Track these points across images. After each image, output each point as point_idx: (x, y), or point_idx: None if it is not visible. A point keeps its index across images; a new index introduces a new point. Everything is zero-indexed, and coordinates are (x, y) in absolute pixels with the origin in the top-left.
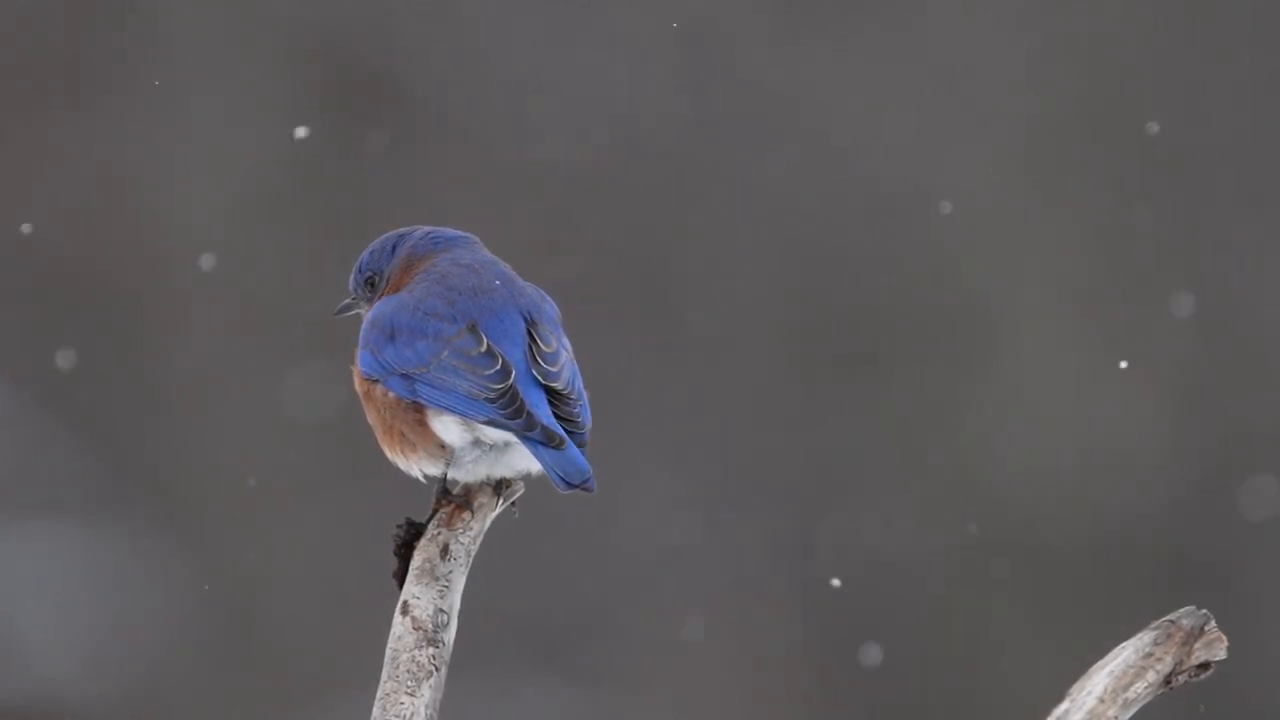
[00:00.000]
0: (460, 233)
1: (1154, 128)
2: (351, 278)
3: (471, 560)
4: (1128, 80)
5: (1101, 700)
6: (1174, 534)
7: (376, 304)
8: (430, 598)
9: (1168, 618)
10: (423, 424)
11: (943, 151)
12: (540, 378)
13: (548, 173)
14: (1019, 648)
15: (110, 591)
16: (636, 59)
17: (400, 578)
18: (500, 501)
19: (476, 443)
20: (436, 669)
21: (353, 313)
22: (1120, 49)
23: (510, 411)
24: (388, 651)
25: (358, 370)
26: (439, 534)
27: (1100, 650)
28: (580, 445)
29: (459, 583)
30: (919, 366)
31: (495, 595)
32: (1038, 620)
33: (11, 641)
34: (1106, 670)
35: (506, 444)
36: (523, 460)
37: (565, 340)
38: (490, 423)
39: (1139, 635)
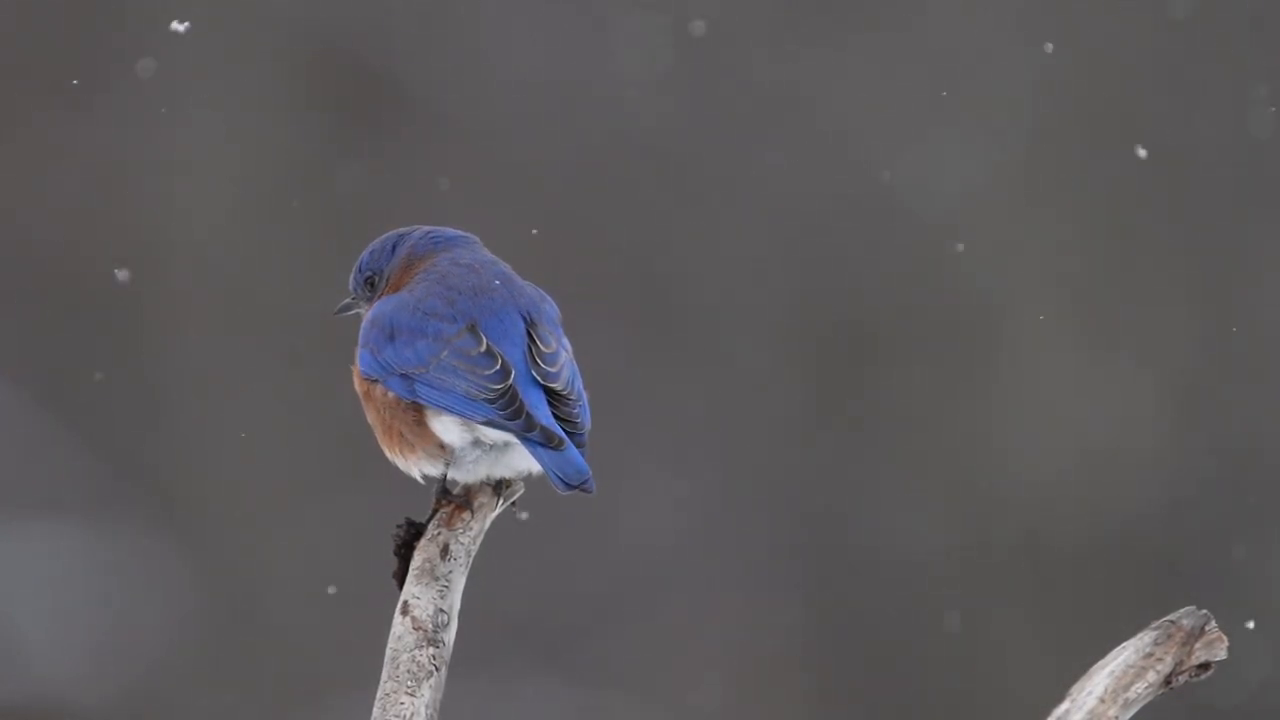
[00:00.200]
0: (460, 232)
1: (1155, 127)
2: (351, 277)
3: (471, 560)
4: (1129, 80)
5: (1102, 700)
6: (1174, 534)
7: (376, 304)
8: (430, 598)
9: (1168, 618)
10: (422, 424)
11: (943, 152)
12: (539, 378)
13: (548, 173)
14: (1019, 648)
15: (110, 591)
16: (636, 59)
17: (400, 578)
18: (500, 501)
19: (476, 443)
20: (436, 669)
21: (352, 312)
22: (1121, 48)
23: (510, 412)
24: (388, 651)
25: (357, 370)
26: (439, 534)
27: (1100, 650)
28: (579, 446)
29: (459, 583)
30: (919, 366)
31: (495, 595)
32: (1038, 620)
33: (11, 641)
34: (1107, 670)
35: (506, 444)
36: (522, 460)
37: (565, 341)
38: (489, 423)
39: (1139, 635)
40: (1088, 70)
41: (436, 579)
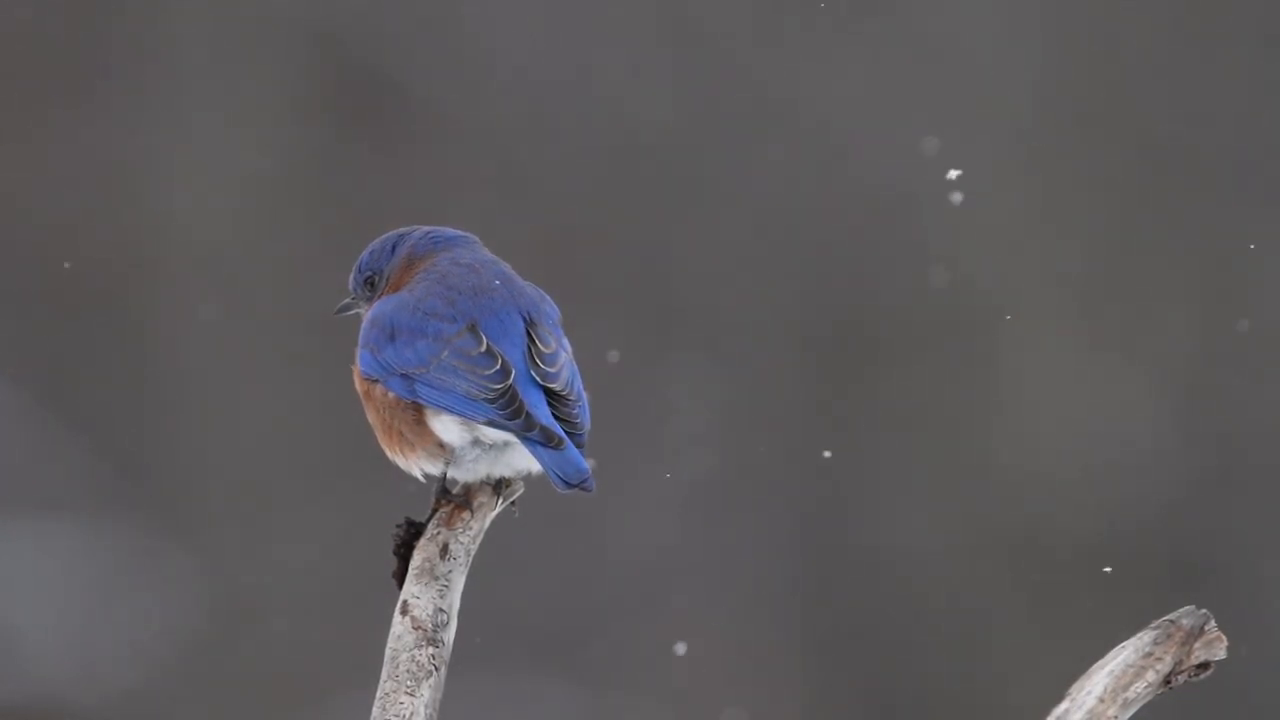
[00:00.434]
0: (460, 232)
1: (1155, 126)
2: (351, 277)
3: (471, 560)
4: (1130, 78)
5: (1101, 700)
6: (1174, 534)
7: (376, 304)
8: (430, 597)
9: (1168, 618)
10: (422, 424)
11: (943, 150)
12: (539, 378)
13: (547, 172)
14: (1019, 648)
15: (111, 591)
16: (636, 58)
17: (400, 577)
18: (500, 501)
19: (476, 442)
20: (436, 669)
21: (352, 312)
22: (1122, 47)
23: (509, 412)
24: (387, 651)
25: (357, 370)
26: (439, 533)
27: (1100, 650)
28: (579, 445)
29: (459, 582)
30: (918, 366)
31: (495, 595)
32: (1038, 620)
33: (11, 641)
34: (1106, 670)
35: (506, 444)
36: (522, 460)
37: (565, 341)
38: (489, 423)
39: (1139, 635)
40: (1088, 70)
41: (436, 578)
